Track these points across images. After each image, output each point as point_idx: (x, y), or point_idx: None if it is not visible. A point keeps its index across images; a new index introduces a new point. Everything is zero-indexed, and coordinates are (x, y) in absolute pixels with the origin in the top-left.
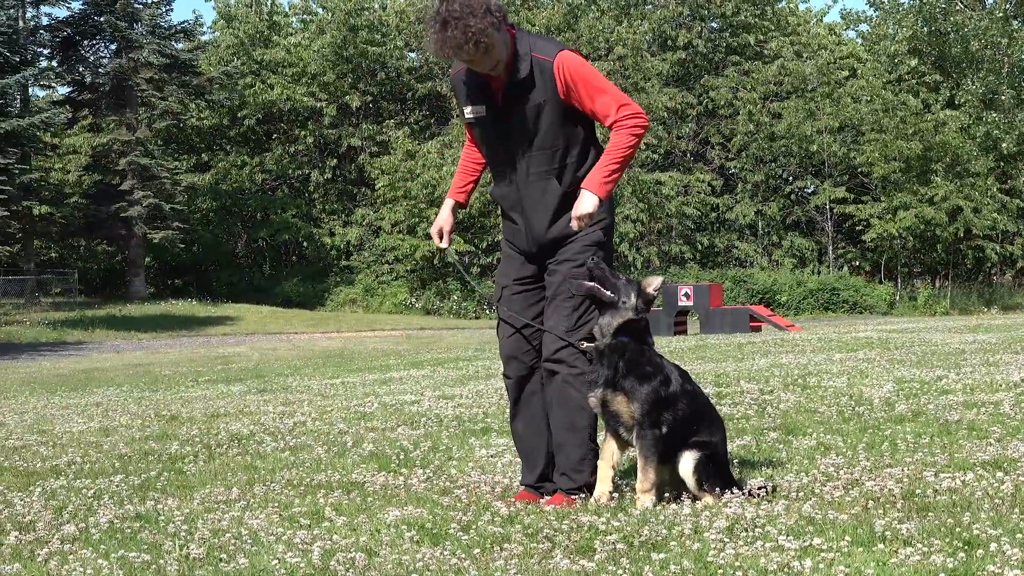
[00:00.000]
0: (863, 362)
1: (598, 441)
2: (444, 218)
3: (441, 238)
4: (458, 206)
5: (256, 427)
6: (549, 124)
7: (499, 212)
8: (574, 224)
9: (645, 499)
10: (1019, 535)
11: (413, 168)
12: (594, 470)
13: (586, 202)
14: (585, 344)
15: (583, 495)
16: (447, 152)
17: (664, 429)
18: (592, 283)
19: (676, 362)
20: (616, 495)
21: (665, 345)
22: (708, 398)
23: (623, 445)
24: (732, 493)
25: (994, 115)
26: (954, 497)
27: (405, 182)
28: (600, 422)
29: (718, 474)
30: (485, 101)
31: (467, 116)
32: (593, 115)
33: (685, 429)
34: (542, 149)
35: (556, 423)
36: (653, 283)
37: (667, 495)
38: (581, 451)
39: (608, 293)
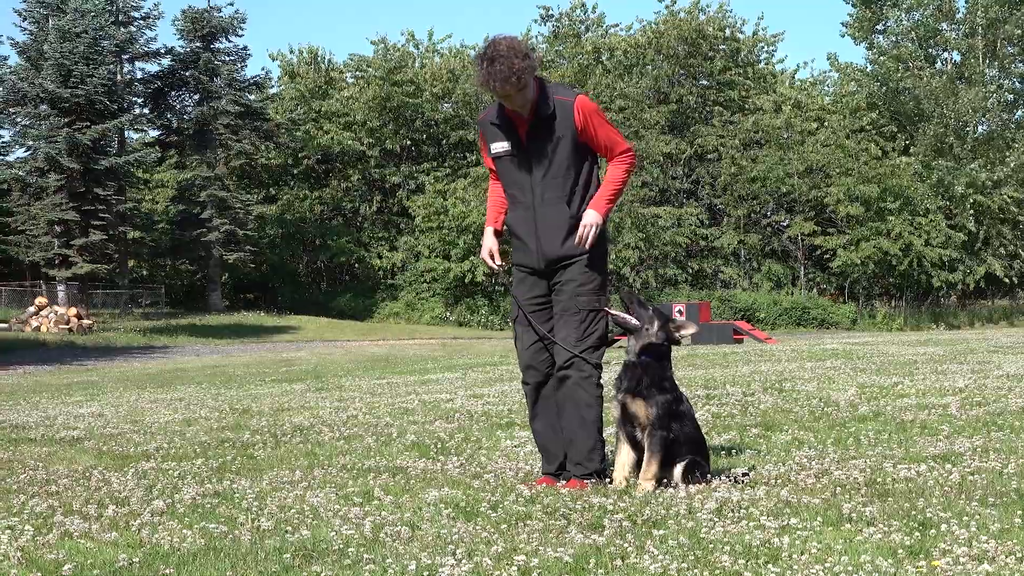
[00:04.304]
0: (830, 370)
1: (606, 437)
2: (491, 242)
3: (492, 259)
4: (496, 233)
5: (315, 420)
6: (564, 155)
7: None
8: (580, 231)
9: (647, 484)
10: (965, 518)
11: (445, 204)
12: (603, 458)
13: (591, 216)
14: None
15: (594, 479)
16: (472, 190)
17: (671, 436)
18: (622, 314)
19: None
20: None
21: None
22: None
23: (636, 448)
24: (720, 480)
25: (944, 162)
26: (910, 485)
27: (439, 215)
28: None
29: (702, 478)
30: (511, 138)
31: (495, 152)
32: (600, 147)
33: (685, 445)
34: (556, 177)
35: (568, 420)
36: (684, 329)
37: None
38: (591, 442)
39: (634, 321)
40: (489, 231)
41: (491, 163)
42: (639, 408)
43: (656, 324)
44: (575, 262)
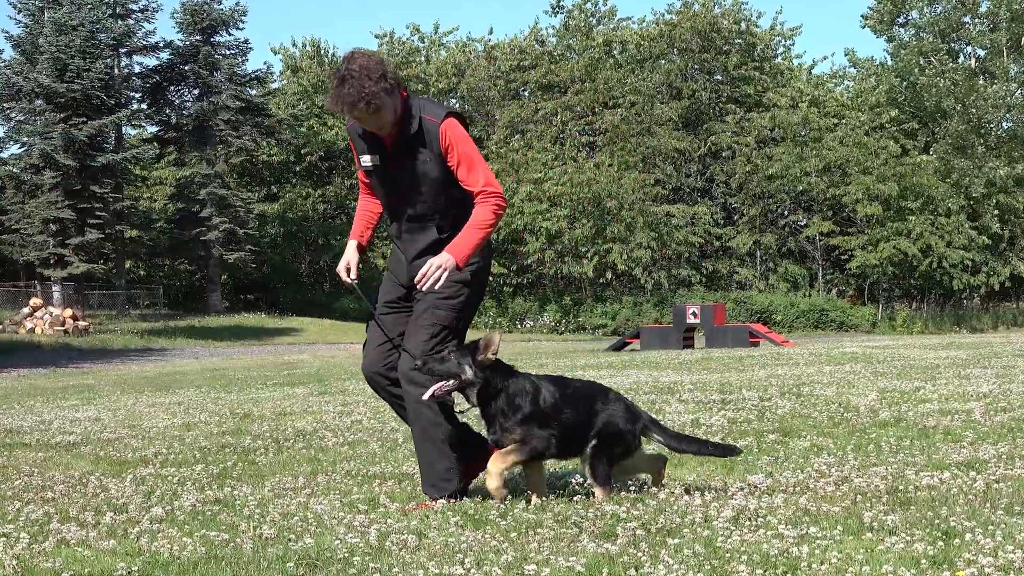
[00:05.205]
0: (850, 374)
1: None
2: (350, 255)
3: (348, 273)
4: (360, 247)
5: (318, 424)
6: (432, 179)
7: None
8: (426, 268)
9: (491, 467)
10: (991, 527)
11: None
12: (461, 478)
13: (443, 259)
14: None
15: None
16: None
17: (545, 441)
18: (439, 386)
19: (671, 359)
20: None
21: (675, 357)
22: (594, 392)
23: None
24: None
25: (963, 162)
26: (933, 493)
27: None
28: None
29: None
30: (378, 152)
31: (364, 164)
32: (459, 179)
33: (582, 430)
34: (424, 200)
35: (416, 438)
36: (491, 346)
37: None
38: (446, 462)
39: (451, 383)
40: (352, 244)
41: (363, 175)
42: (506, 441)
43: (467, 365)
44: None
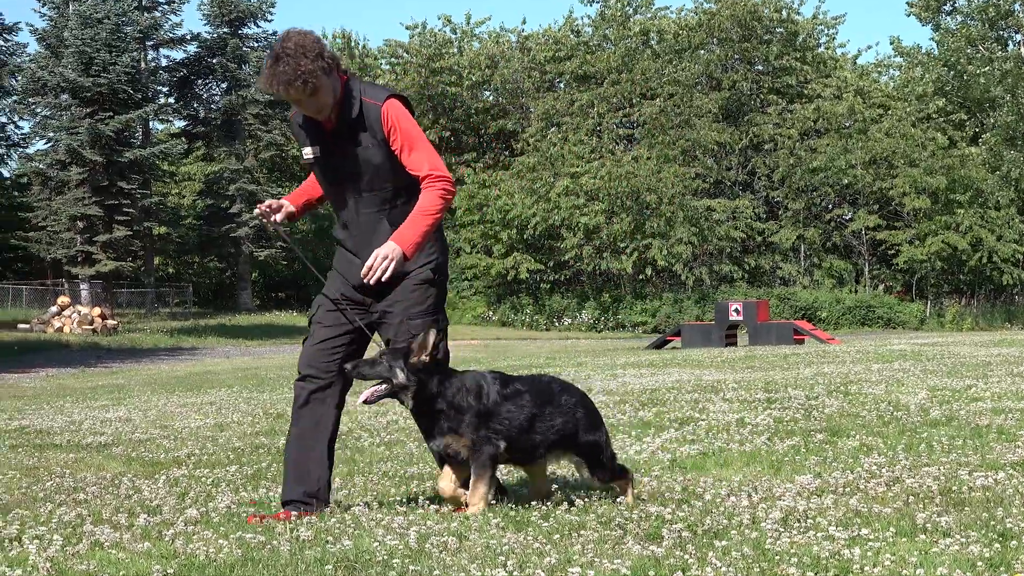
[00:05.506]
0: (899, 372)
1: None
2: (277, 203)
3: (268, 207)
4: (290, 208)
5: (354, 425)
6: (377, 167)
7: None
8: (371, 260)
9: (474, 509)
10: None
11: (488, 196)
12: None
13: (389, 248)
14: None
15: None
16: (516, 183)
17: (500, 441)
18: (372, 390)
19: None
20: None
21: (717, 355)
22: (551, 387)
23: (466, 471)
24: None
25: (1013, 154)
26: (987, 494)
27: (481, 208)
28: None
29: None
30: (319, 143)
31: (305, 158)
32: (404, 164)
33: (537, 426)
34: (371, 191)
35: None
36: (425, 348)
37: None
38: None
39: (383, 387)
40: (285, 201)
41: (309, 166)
42: (454, 444)
43: (398, 369)
44: (406, 278)
